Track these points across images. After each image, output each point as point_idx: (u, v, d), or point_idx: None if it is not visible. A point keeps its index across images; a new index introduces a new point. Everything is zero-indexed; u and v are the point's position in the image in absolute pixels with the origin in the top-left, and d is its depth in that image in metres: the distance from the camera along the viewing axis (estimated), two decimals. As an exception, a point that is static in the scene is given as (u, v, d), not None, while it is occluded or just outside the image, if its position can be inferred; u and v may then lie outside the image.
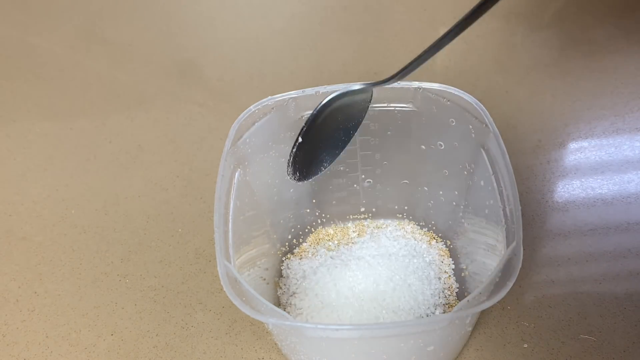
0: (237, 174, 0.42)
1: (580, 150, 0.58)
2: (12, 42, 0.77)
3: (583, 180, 0.55)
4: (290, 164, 0.42)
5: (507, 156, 0.39)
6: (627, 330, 0.45)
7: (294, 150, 0.42)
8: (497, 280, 0.34)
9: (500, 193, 0.39)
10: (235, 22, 0.79)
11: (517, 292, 0.48)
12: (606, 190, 0.54)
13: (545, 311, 0.46)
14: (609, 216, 0.52)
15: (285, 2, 0.81)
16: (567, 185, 0.55)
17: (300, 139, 0.42)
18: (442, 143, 0.46)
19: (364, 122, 0.46)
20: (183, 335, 0.47)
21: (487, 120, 0.41)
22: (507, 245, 0.36)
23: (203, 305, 0.49)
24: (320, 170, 0.45)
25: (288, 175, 0.43)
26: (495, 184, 0.40)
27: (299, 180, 0.44)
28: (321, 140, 0.43)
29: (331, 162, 0.45)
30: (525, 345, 0.45)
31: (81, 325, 0.48)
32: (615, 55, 0.67)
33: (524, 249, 0.35)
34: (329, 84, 0.44)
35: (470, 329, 0.42)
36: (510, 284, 0.33)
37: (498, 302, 0.33)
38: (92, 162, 0.61)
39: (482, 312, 0.44)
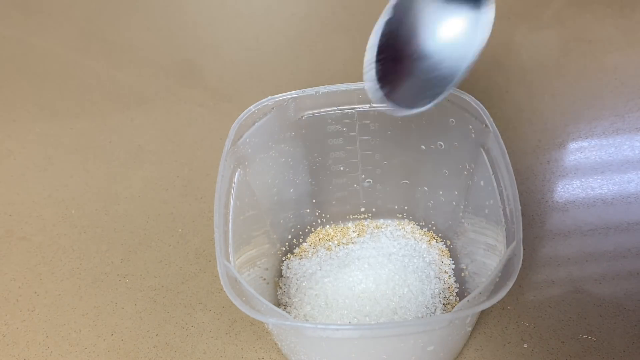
0: (237, 174, 0.42)
1: (580, 150, 0.58)
2: (12, 42, 0.77)
3: (583, 180, 0.55)
4: (374, 63, 0.29)
5: (507, 156, 0.39)
6: (627, 330, 0.45)
7: (380, 34, 0.28)
8: (497, 280, 0.34)
9: (500, 193, 0.39)
10: (235, 22, 0.78)
11: (517, 292, 0.48)
12: (606, 190, 0.54)
13: (545, 311, 0.46)
14: (609, 216, 0.52)
15: (285, 2, 0.81)
16: (567, 185, 0.55)
17: (388, 15, 0.28)
18: (442, 143, 0.45)
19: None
20: (183, 335, 0.47)
21: (487, 120, 0.41)
22: (507, 245, 0.36)
23: (203, 305, 0.49)
24: (423, 103, 0.31)
25: (369, 82, 0.29)
26: (495, 184, 0.40)
27: (389, 99, 0.31)
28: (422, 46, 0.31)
29: (439, 93, 0.31)
30: (525, 345, 0.45)
31: (81, 325, 0.48)
32: (615, 55, 0.67)
33: (524, 249, 0.35)
34: (329, 83, 0.44)
35: (470, 329, 0.42)
36: (510, 284, 0.33)
37: (498, 302, 0.33)
38: (92, 162, 0.61)
39: (482, 312, 0.44)
